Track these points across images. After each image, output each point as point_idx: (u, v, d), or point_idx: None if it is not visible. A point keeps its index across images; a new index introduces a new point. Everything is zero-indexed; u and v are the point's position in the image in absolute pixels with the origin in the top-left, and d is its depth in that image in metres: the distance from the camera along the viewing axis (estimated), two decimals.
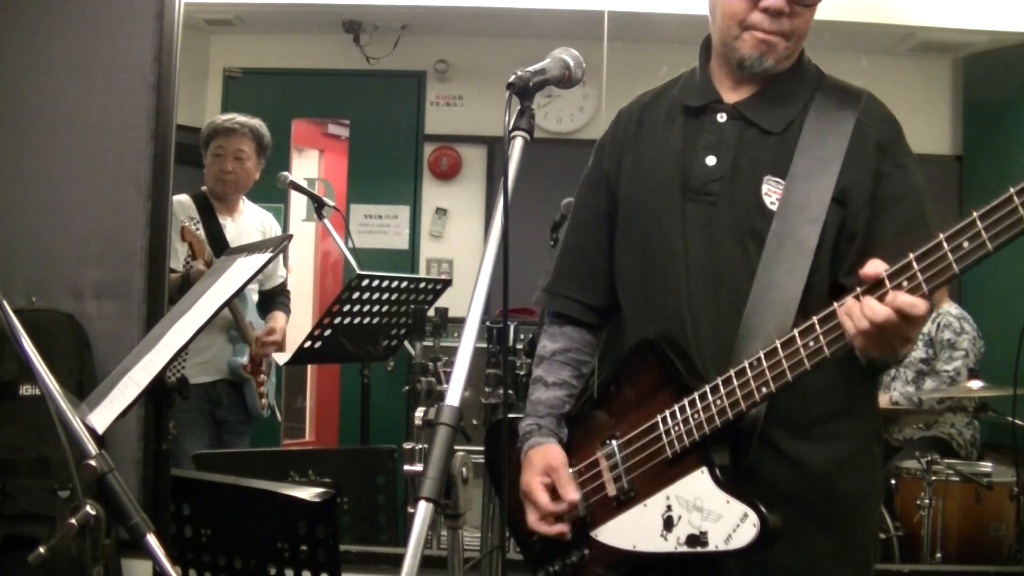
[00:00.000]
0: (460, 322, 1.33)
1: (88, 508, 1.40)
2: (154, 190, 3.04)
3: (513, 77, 1.43)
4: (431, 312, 3.55)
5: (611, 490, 1.68)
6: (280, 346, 3.81)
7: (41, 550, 1.43)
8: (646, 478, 1.63)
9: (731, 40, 1.66)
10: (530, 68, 1.47)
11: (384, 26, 5.27)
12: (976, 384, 3.71)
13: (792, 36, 1.64)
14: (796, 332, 1.46)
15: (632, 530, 1.63)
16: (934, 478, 3.51)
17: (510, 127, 1.42)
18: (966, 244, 1.30)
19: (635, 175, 1.77)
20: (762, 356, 1.49)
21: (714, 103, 1.72)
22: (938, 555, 3.47)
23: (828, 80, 1.72)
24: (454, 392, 1.24)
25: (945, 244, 1.31)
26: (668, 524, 1.58)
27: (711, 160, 1.68)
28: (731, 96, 1.71)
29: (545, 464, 1.73)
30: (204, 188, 3.64)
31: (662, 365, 1.63)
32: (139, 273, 3.02)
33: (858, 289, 1.39)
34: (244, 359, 3.60)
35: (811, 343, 1.44)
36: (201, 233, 3.50)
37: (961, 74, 5.28)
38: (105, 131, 3.03)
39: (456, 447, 1.23)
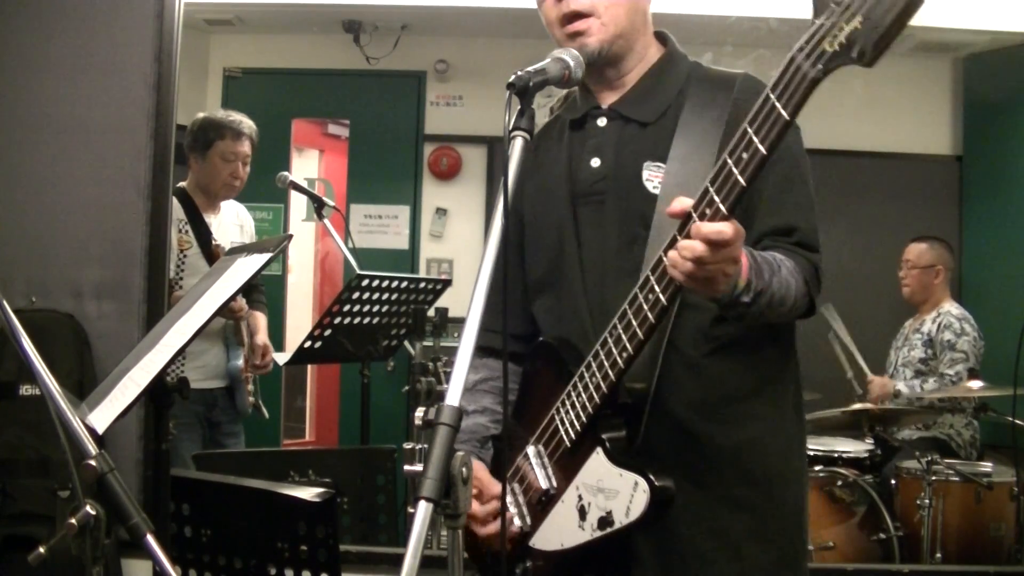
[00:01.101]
0: (460, 322, 1.33)
1: (88, 508, 1.40)
2: (154, 190, 3.03)
3: (513, 77, 1.43)
4: (431, 312, 3.55)
5: (535, 495, 1.70)
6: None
7: (41, 550, 1.43)
8: (559, 473, 1.66)
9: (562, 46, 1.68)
10: (530, 68, 1.47)
11: (384, 26, 5.27)
12: (976, 384, 3.71)
13: (597, 11, 1.64)
14: (636, 289, 1.49)
15: (558, 529, 1.65)
16: (934, 478, 3.51)
17: (510, 127, 1.42)
18: (744, 155, 1.32)
19: (534, 197, 1.81)
20: (616, 321, 1.52)
21: (592, 110, 1.76)
22: (938, 555, 3.47)
23: (704, 69, 1.74)
24: (454, 392, 1.23)
25: (728, 159, 1.33)
26: (582, 513, 1.60)
27: (596, 162, 1.72)
28: (606, 99, 1.75)
29: None
30: (184, 184, 3.57)
31: (553, 362, 1.68)
32: (139, 273, 3.01)
33: (675, 234, 1.40)
34: (240, 361, 3.60)
35: (649, 296, 1.46)
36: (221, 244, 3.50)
37: (961, 74, 5.28)
38: (105, 131, 3.03)
39: (456, 447, 1.23)
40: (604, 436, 1.58)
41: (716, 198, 1.34)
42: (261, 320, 3.72)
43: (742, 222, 1.56)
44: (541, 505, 1.69)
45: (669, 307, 1.46)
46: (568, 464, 1.64)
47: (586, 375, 1.58)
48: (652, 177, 1.66)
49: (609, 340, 1.53)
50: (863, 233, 5.11)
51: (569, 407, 1.62)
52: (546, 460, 1.68)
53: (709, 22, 4.30)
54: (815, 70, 1.24)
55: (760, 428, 1.67)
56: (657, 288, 1.45)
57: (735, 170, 1.32)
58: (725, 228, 1.34)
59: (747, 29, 4.40)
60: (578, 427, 1.60)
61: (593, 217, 1.72)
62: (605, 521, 1.56)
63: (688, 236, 1.36)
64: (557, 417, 1.64)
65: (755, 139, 1.30)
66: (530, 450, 1.71)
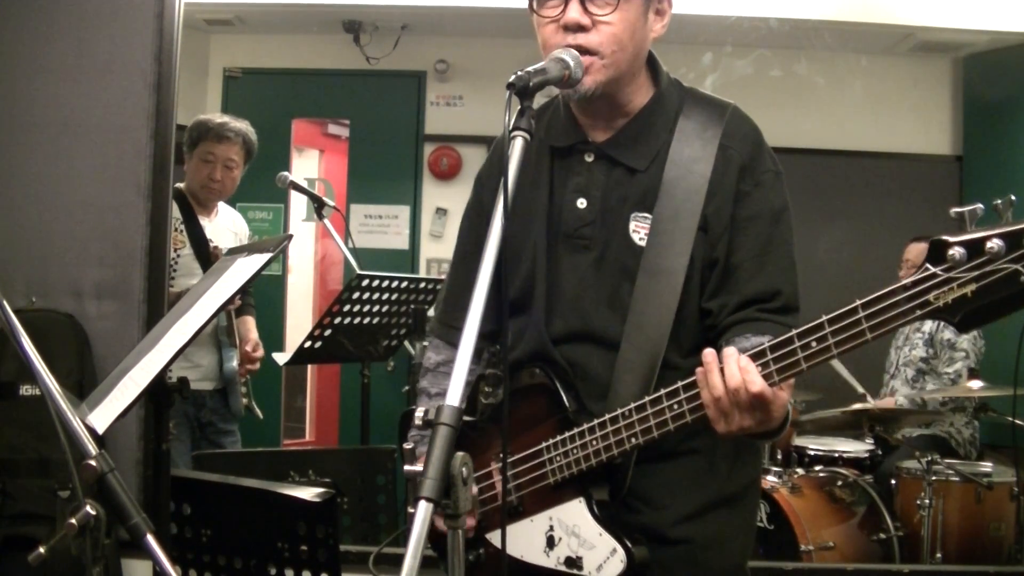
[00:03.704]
0: None
1: (88, 508, 1.40)
2: (154, 190, 3.03)
3: (513, 77, 1.43)
4: (431, 312, 3.55)
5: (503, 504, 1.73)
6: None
7: (41, 550, 1.43)
8: (532, 497, 1.70)
9: None
10: (530, 68, 1.47)
11: (384, 26, 5.27)
12: (976, 384, 3.71)
13: (604, 51, 1.60)
14: (663, 393, 1.53)
15: (520, 541, 1.71)
16: (934, 478, 3.51)
17: (510, 127, 1.42)
18: (814, 345, 1.37)
19: (512, 212, 1.78)
20: (633, 409, 1.56)
21: (580, 143, 1.73)
22: (938, 555, 3.47)
23: (691, 99, 1.72)
24: (454, 392, 1.23)
25: (796, 340, 1.38)
26: (550, 542, 1.68)
27: (582, 203, 1.71)
28: (596, 135, 1.72)
29: None
30: (181, 185, 3.51)
31: (550, 393, 1.70)
32: (139, 273, 3.01)
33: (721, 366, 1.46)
34: (235, 363, 3.58)
35: (675, 406, 1.52)
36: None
37: (961, 74, 5.28)
38: (105, 131, 3.03)
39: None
40: (590, 490, 1.64)
41: (772, 366, 1.40)
42: (251, 323, 3.69)
43: (721, 282, 1.64)
44: (508, 512, 1.72)
45: (689, 424, 1.51)
46: (546, 495, 1.68)
47: (587, 435, 1.61)
48: (639, 228, 1.66)
49: (620, 420, 1.57)
50: (863, 233, 5.10)
51: (561, 453, 1.65)
52: (520, 480, 1.71)
53: (709, 22, 4.30)
54: (913, 315, 1.29)
55: (696, 465, 1.69)
56: (686, 405, 1.50)
57: (800, 353, 1.38)
58: (766, 393, 1.39)
59: (747, 29, 4.40)
60: (566, 474, 1.64)
61: (573, 258, 1.71)
62: (573, 562, 1.64)
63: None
64: (546, 455, 1.67)
65: (830, 338, 1.35)
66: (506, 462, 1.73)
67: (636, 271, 1.64)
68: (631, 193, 1.68)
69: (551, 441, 1.66)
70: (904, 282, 1.28)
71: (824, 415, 3.91)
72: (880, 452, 3.86)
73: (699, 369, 1.46)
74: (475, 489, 1.75)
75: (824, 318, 1.35)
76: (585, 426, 1.61)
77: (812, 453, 3.88)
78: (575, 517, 1.65)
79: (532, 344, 1.74)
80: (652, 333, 1.63)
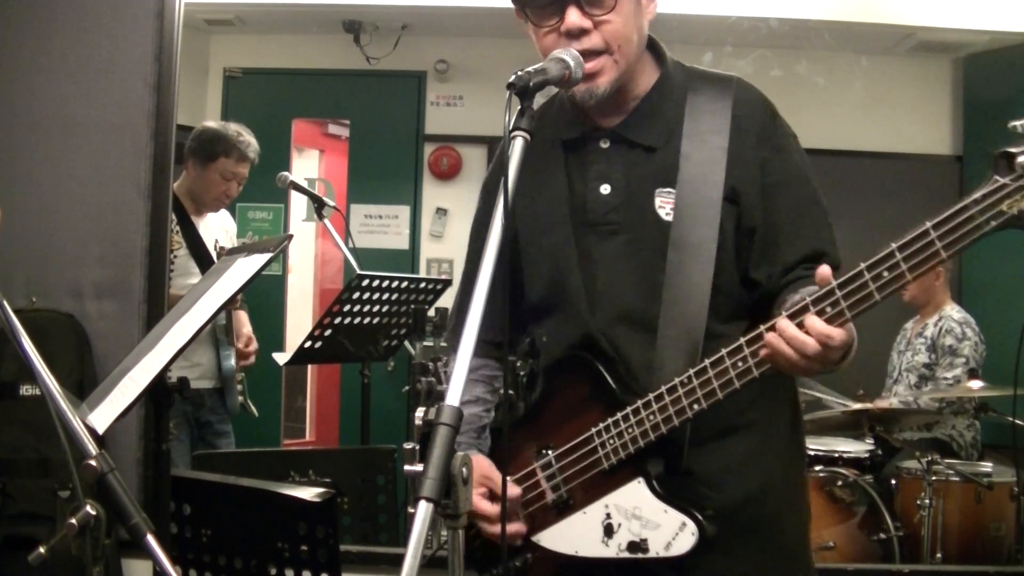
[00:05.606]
0: None
1: (88, 508, 1.40)
2: (154, 190, 3.03)
3: (513, 77, 1.42)
4: (431, 312, 3.55)
5: (549, 498, 1.70)
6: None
7: (41, 550, 1.43)
8: (584, 487, 1.67)
9: None
10: (530, 68, 1.46)
11: (384, 26, 5.27)
12: (976, 384, 3.71)
13: (611, 48, 1.61)
14: (724, 352, 1.50)
15: (573, 535, 1.67)
16: (934, 478, 3.51)
17: (510, 127, 1.42)
18: (886, 274, 1.35)
19: (527, 213, 1.77)
20: (692, 374, 1.53)
21: (592, 131, 1.73)
22: (938, 555, 3.47)
23: (695, 76, 1.73)
24: (454, 392, 1.23)
25: (866, 272, 1.37)
26: (608, 531, 1.63)
27: (605, 189, 1.70)
28: (607, 121, 1.72)
29: (478, 475, 1.71)
30: (174, 186, 3.53)
31: (593, 378, 1.67)
32: (139, 273, 3.01)
33: (782, 312, 1.43)
34: (232, 361, 3.60)
35: (740, 363, 1.49)
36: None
37: (961, 74, 5.28)
38: (105, 131, 3.03)
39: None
40: (647, 468, 1.61)
41: (843, 303, 1.38)
42: (243, 318, 3.74)
43: (763, 251, 1.63)
44: (556, 509, 1.69)
45: (757, 379, 1.49)
46: (599, 483, 1.65)
47: (643, 411, 1.58)
48: (664, 204, 1.66)
49: (679, 388, 1.54)
50: (863, 233, 5.07)
51: (615, 435, 1.61)
52: (568, 472, 1.68)
53: (709, 22, 4.30)
54: (988, 227, 1.28)
55: (746, 440, 1.67)
56: (751, 360, 1.48)
57: (872, 285, 1.36)
58: (836, 334, 1.38)
59: (747, 29, 4.40)
60: (622, 455, 1.61)
61: (603, 245, 1.70)
62: (636, 546, 1.60)
63: (799, 324, 1.40)
64: (597, 440, 1.64)
65: (902, 265, 1.34)
66: (551, 455, 1.70)
67: (667, 247, 1.63)
68: (652, 171, 1.67)
69: (602, 425, 1.63)
70: (974, 196, 1.29)
71: (824, 415, 3.91)
72: (880, 452, 3.86)
73: (766, 338, 1.44)
74: (518, 490, 1.72)
75: (894, 246, 1.34)
76: (639, 402, 1.58)
77: (812, 453, 3.88)
78: (634, 499, 1.61)
79: (574, 336, 1.71)
80: (690, 306, 1.61)
